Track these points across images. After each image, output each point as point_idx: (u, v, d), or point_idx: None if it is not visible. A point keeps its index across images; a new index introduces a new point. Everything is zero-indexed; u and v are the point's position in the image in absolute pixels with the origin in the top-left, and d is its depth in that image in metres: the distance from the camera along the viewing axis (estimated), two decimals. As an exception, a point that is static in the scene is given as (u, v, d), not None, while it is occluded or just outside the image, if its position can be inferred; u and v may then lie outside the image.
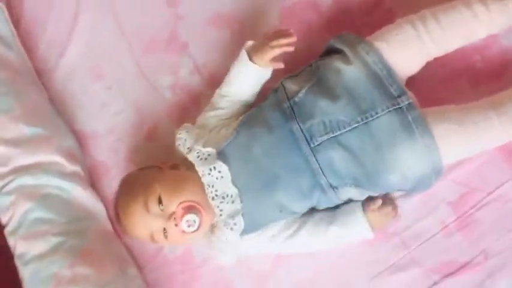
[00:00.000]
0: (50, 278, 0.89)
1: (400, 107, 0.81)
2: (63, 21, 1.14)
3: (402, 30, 0.86)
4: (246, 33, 1.06)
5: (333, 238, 0.89)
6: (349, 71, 0.85)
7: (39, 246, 0.92)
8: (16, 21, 1.15)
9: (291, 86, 0.89)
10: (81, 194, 1.02)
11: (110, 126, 1.10)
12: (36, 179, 0.98)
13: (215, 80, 1.03)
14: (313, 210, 0.91)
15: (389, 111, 0.81)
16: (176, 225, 0.84)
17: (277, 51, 0.87)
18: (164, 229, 0.86)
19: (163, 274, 1.01)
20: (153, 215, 0.85)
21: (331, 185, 0.84)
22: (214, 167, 0.86)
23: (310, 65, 0.92)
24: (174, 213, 0.84)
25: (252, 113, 0.91)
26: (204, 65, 1.07)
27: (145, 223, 0.86)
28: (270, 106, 0.89)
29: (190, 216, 0.84)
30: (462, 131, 0.80)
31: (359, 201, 0.90)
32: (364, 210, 0.88)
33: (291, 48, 0.87)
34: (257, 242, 0.91)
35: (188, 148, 0.91)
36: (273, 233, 0.90)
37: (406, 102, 0.81)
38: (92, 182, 1.08)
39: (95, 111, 1.11)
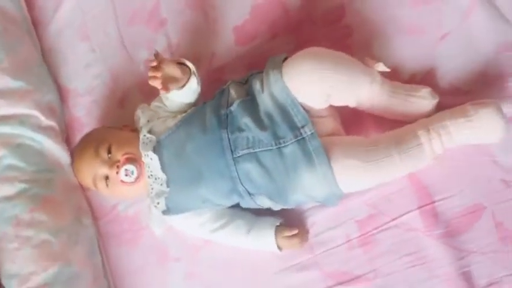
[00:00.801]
0: (11, 219, 1.03)
1: (303, 137, 0.87)
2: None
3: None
4: (219, 20, 1.11)
5: (247, 245, 1.00)
6: (264, 99, 0.90)
7: (6, 190, 1.05)
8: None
9: (234, 93, 0.95)
10: (52, 147, 1.13)
11: (88, 87, 1.20)
12: (13, 129, 1.10)
13: (184, 61, 1.12)
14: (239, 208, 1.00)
15: (294, 141, 0.87)
16: (117, 173, 0.96)
17: (156, 85, 0.88)
18: (107, 177, 0.98)
19: (114, 229, 1.14)
20: (100, 160, 0.98)
21: (248, 192, 0.93)
22: (148, 154, 0.96)
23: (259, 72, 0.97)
24: (118, 161, 0.97)
25: (196, 111, 0.98)
26: (177, 44, 1.14)
27: (91, 166, 0.99)
28: (212, 108, 0.96)
29: (129, 166, 0.96)
30: (363, 167, 0.85)
31: (276, 219, 0.98)
32: (276, 233, 0.97)
33: (158, 85, 0.87)
34: (188, 225, 1.02)
35: (140, 127, 1.01)
36: (202, 221, 1.01)
37: (309, 133, 0.87)
38: (68, 135, 1.20)
39: (79, 69, 1.21)
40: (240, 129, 0.91)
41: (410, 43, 0.96)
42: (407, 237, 0.94)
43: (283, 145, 0.88)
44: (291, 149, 0.87)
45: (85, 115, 1.19)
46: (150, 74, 0.87)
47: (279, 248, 0.99)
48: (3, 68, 1.12)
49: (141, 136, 0.99)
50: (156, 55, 0.88)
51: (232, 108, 0.93)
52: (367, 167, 0.84)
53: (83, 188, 1.15)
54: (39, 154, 1.12)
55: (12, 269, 1.02)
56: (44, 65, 1.22)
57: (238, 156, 0.91)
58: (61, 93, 1.22)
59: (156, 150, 0.96)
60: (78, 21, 1.21)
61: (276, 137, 0.89)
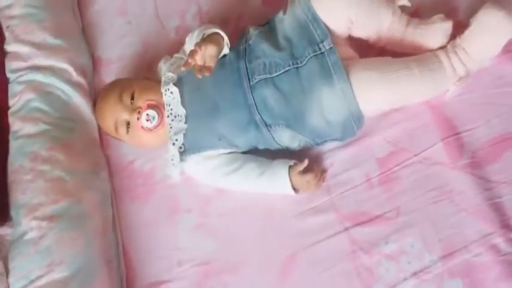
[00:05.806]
0: (28, 154, 1.04)
1: (322, 52, 0.87)
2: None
3: None
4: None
5: (261, 187, 0.96)
6: (286, 21, 0.93)
7: (29, 128, 1.08)
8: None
9: (252, 30, 0.98)
10: (79, 101, 1.17)
11: (120, 54, 1.26)
12: (45, 78, 1.15)
13: (211, 26, 1.18)
14: (254, 152, 0.98)
15: (313, 56, 0.87)
16: (138, 118, 0.97)
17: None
18: (128, 123, 0.99)
19: (127, 184, 1.14)
20: (123, 105, 1.00)
21: (265, 123, 0.92)
22: (168, 89, 0.98)
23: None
24: (140, 107, 0.98)
25: None
26: (207, 12, 1.21)
27: (114, 110, 1.01)
28: (232, 49, 0.99)
29: (151, 112, 0.97)
30: (381, 78, 0.83)
31: (291, 160, 0.95)
32: (290, 172, 0.93)
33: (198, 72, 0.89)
34: (201, 169, 1.01)
35: (163, 73, 1.05)
36: (215, 165, 0.99)
37: (328, 47, 0.87)
38: (95, 99, 1.24)
39: (114, 41, 1.28)
40: (257, 57, 0.93)
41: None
42: (430, 171, 0.89)
43: (300, 65, 0.88)
44: (308, 67, 0.88)
45: (114, 78, 1.24)
46: (190, 60, 0.88)
47: (294, 189, 0.94)
48: (45, 26, 1.20)
49: (163, 78, 1.01)
50: (198, 44, 0.90)
51: (251, 41, 0.95)
52: (385, 78, 0.83)
53: (101, 143, 1.17)
54: (66, 104, 1.16)
55: (21, 199, 1.01)
56: (82, 36, 1.30)
57: (255, 83, 0.91)
58: (94, 63, 1.28)
59: (177, 85, 0.98)
60: (119, 1, 1.31)
61: (293, 57, 0.90)
